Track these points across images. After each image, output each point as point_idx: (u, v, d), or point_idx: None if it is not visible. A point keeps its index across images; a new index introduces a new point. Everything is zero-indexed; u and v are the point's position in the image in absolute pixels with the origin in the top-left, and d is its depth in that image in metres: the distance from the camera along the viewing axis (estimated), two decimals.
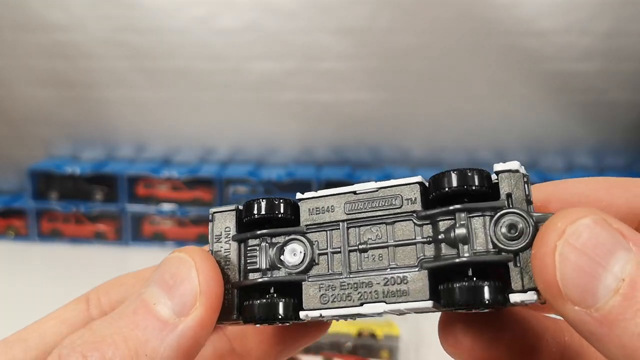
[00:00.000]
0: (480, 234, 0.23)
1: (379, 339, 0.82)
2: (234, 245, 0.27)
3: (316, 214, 0.26)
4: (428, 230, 0.24)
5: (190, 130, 1.24)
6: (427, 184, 0.25)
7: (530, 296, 0.22)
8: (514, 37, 1.14)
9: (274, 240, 0.26)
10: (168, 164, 1.25)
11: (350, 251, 0.25)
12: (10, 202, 1.23)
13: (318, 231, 0.26)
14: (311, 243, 0.25)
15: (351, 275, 0.25)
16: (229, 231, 0.27)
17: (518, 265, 0.23)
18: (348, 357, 0.80)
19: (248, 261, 0.26)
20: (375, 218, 0.25)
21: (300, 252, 0.26)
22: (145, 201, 1.19)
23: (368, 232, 0.25)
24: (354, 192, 0.25)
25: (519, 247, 0.23)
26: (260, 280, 0.25)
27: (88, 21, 1.17)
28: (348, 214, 0.25)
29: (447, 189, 0.24)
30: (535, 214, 0.23)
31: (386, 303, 0.24)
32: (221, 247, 0.27)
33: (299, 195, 0.26)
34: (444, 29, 1.14)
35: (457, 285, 0.23)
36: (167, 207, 1.18)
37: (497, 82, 1.18)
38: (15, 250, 1.19)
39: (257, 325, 0.26)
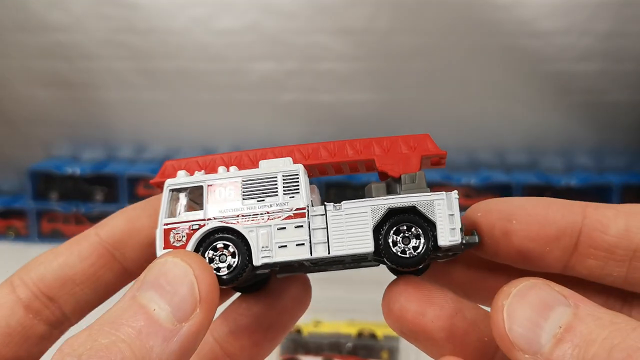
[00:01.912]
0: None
1: (379, 340, 0.82)
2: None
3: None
4: None
5: (190, 131, 1.25)
6: None
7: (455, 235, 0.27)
8: (514, 38, 1.14)
9: None
10: None
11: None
12: (11, 203, 1.23)
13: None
14: None
15: None
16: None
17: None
18: (348, 357, 0.80)
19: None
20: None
21: None
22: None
23: None
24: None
25: None
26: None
27: (88, 22, 1.17)
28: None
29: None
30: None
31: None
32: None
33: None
34: (444, 30, 1.14)
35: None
36: None
37: (497, 83, 1.18)
38: (15, 251, 1.19)
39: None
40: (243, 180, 0.29)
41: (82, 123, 1.26)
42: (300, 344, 0.81)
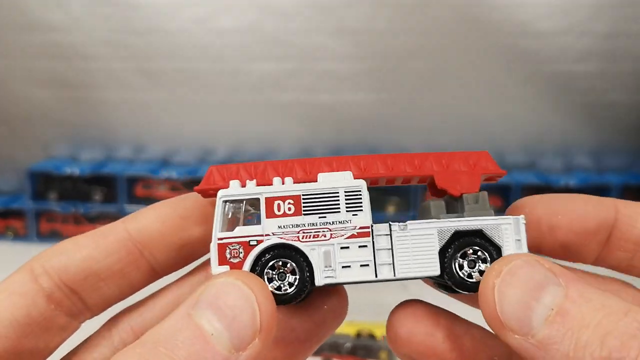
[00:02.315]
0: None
1: (377, 340, 0.82)
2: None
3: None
4: None
5: (189, 131, 1.24)
6: None
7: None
8: (513, 39, 1.14)
9: None
10: (167, 164, 1.24)
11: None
12: (9, 203, 1.23)
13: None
14: None
15: None
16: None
17: None
18: (347, 357, 0.80)
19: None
20: None
21: None
22: (144, 202, 1.19)
23: None
24: None
25: None
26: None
27: (87, 22, 1.17)
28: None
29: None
30: None
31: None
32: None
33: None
34: (444, 30, 1.14)
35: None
36: None
37: (497, 83, 1.18)
38: (14, 251, 1.19)
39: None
40: (303, 195, 0.28)
41: (81, 123, 1.26)
42: None
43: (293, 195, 0.28)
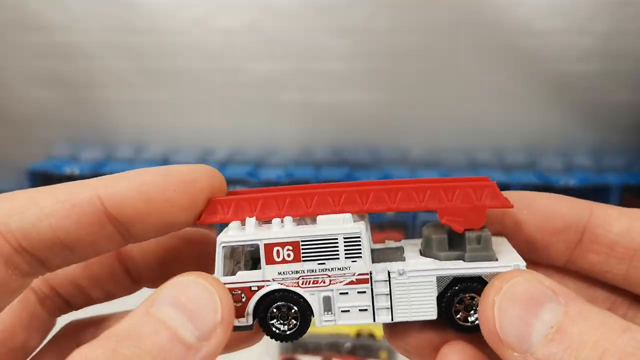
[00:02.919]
0: None
1: (377, 340, 0.82)
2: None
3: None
4: None
5: (189, 131, 1.24)
6: None
7: None
8: (513, 38, 1.14)
9: None
10: (167, 164, 1.24)
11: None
12: None
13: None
14: None
15: None
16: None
17: None
18: (347, 357, 0.80)
19: None
20: None
21: None
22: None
23: None
24: None
25: None
26: None
27: (87, 22, 1.17)
28: None
29: None
30: None
31: None
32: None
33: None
34: (443, 29, 1.14)
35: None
36: None
37: (496, 83, 1.18)
38: None
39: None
40: (302, 241, 0.28)
41: (82, 123, 1.26)
42: (299, 343, 0.81)
43: (292, 242, 0.28)
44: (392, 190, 0.29)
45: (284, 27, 1.15)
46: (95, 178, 0.28)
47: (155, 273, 0.31)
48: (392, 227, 1.18)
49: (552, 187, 1.15)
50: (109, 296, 0.30)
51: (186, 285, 0.24)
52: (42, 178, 1.22)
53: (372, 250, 0.30)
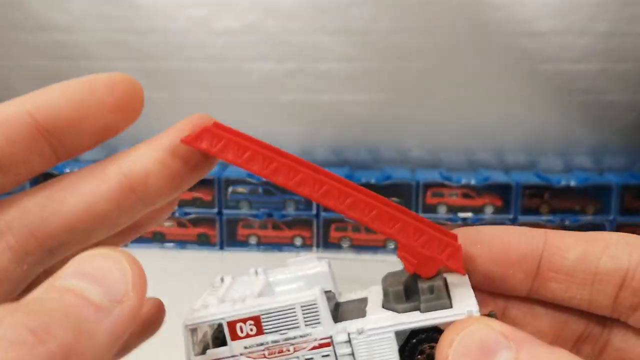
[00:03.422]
0: None
1: None
2: None
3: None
4: None
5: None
6: None
7: None
8: (513, 38, 1.14)
9: None
10: None
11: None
12: None
13: None
14: None
15: None
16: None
17: None
18: None
19: None
20: None
21: None
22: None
23: None
24: None
25: None
26: None
27: (88, 22, 1.17)
28: None
29: None
30: None
31: None
32: None
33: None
34: (444, 30, 1.14)
35: None
36: None
37: (496, 83, 1.18)
38: None
39: None
40: (262, 315, 0.28)
41: None
42: None
43: (253, 317, 0.28)
44: (370, 205, 0.29)
45: (285, 27, 1.15)
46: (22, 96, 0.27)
47: (83, 143, 0.28)
48: None
49: (552, 187, 1.15)
50: (21, 180, 0.27)
51: (90, 258, 0.22)
52: (42, 178, 1.22)
53: (338, 305, 0.31)
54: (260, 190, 1.18)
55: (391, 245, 1.15)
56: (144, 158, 0.28)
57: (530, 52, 1.15)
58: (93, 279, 0.21)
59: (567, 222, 1.15)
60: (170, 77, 1.20)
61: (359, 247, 1.16)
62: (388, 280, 0.30)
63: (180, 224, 1.18)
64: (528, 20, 1.12)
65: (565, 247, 0.29)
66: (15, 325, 0.18)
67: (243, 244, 1.18)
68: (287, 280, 0.31)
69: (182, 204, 1.18)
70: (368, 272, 1.01)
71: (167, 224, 1.19)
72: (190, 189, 1.13)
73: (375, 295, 0.31)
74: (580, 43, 1.13)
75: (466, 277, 0.29)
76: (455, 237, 0.29)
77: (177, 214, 1.17)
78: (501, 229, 0.30)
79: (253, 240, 1.18)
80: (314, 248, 1.17)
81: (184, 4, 1.16)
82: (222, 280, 0.32)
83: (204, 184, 1.18)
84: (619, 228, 1.14)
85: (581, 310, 0.29)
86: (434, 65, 1.17)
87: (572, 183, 1.14)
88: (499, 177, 1.16)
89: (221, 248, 1.17)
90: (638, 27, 1.12)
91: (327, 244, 1.17)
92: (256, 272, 0.32)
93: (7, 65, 1.22)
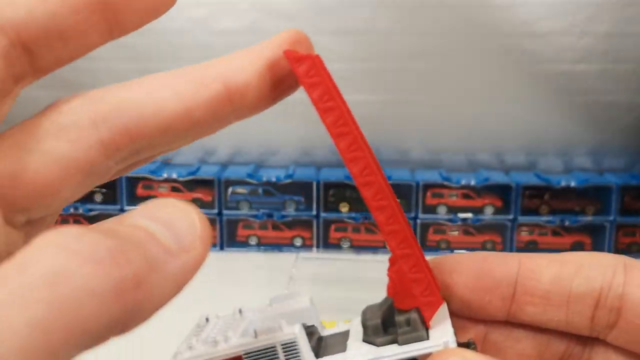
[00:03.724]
0: None
1: None
2: None
3: None
4: None
5: None
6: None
7: None
8: (513, 39, 1.14)
9: None
10: (168, 164, 1.25)
11: None
12: None
13: None
14: None
15: None
16: None
17: None
18: None
19: None
20: None
21: None
22: (145, 202, 1.19)
23: None
24: None
25: None
26: None
27: None
28: None
29: None
30: None
31: None
32: None
33: None
34: (444, 30, 1.14)
35: None
36: None
37: (496, 84, 1.18)
38: None
39: None
40: (244, 354, 0.29)
41: None
42: None
43: (235, 357, 0.29)
44: (395, 218, 0.29)
45: (285, 28, 1.15)
46: None
47: (136, 21, 0.27)
48: None
49: (552, 188, 1.15)
50: (77, 54, 0.27)
51: (160, 205, 0.22)
52: None
53: (320, 338, 0.31)
54: (260, 190, 1.18)
55: None
56: (245, 68, 0.26)
57: (530, 52, 1.15)
58: (163, 223, 0.21)
59: (567, 223, 1.15)
60: None
61: (358, 247, 1.16)
62: (367, 313, 0.31)
63: None
64: (528, 21, 1.12)
65: (539, 270, 0.29)
66: (94, 243, 0.18)
67: (243, 244, 1.18)
68: (269, 318, 0.31)
69: None
70: (368, 273, 1.02)
71: None
72: (190, 189, 1.14)
73: (356, 328, 0.32)
74: (580, 44, 1.13)
75: (444, 307, 0.29)
76: (439, 294, 0.29)
77: None
78: (476, 255, 0.31)
79: (253, 241, 1.18)
80: (314, 248, 1.17)
81: (184, 4, 1.15)
82: (207, 320, 0.33)
83: (204, 184, 1.18)
84: (619, 228, 1.14)
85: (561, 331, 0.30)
86: (434, 66, 1.17)
87: (572, 184, 1.14)
88: (498, 178, 1.16)
89: (221, 248, 1.17)
90: (638, 28, 1.12)
91: (327, 244, 1.17)
92: (240, 311, 0.32)
93: None
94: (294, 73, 0.29)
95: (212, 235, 0.22)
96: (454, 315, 0.29)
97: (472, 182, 1.15)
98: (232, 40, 1.17)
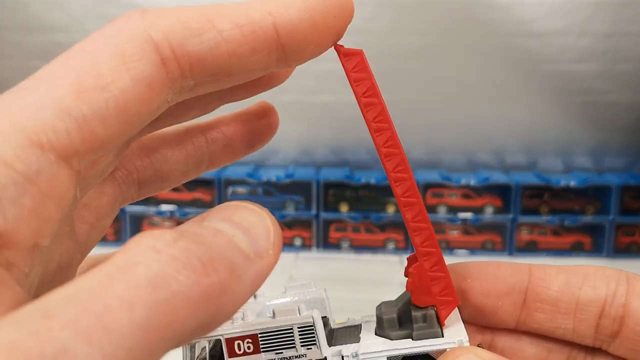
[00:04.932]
0: None
1: None
2: None
3: None
4: None
5: None
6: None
7: None
8: (513, 39, 1.14)
9: None
10: None
11: None
12: None
13: None
14: None
15: None
16: None
17: None
18: None
19: None
20: None
21: None
22: (145, 202, 1.19)
23: None
24: None
25: None
26: None
27: (88, 22, 1.17)
28: None
29: None
30: None
31: None
32: None
33: None
34: (444, 30, 1.14)
35: None
36: (166, 207, 1.18)
37: (497, 83, 1.18)
38: None
39: None
40: (260, 334, 0.29)
41: None
42: None
43: (251, 335, 0.29)
44: (423, 215, 0.30)
45: None
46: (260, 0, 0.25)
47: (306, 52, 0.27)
48: (392, 228, 1.18)
49: (552, 188, 1.15)
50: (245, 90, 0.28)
51: (237, 208, 0.23)
52: None
53: (332, 330, 0.32)
54: (259, 190, 1.18)
55: (390, 246, 1.15)
56: (296, 9, 0.25)
57: (530, 52, 1.15)
58: (241, 228, 0.22)
59: (566, 223, 1.15)
60: None
61: (358, 247, 1.17)
62: (382, 308, 0.31)
63: (180, 224, 1.18)
64: (528, 21, 1.12)
65: (549, 278, 0.31)
66: (187, 250, 0.19)
67: None
68: (286, 303, 0.32)
69: (182, 204, 1.18)
70: (368, 272, 1.02)
71: (166, 223, 1.19)
72: (191, 189, 1.14)
73: (368, 324, 0.32)
74: (580, 43, 1.13)
75: (456, 310, 0.30)
76: (455, 294, 0.30)
77: (177, 215, 1.18)
78: (489, 264, 0.32)
79: None
80: (314, 248, 1.17)
81: (184, 4, 1.15)
82: None
83: (204, 184, 1.18)
84: (618, 228, 1.14)
85: (565, 340, 0.31)
86: (434, 65, 1.17)
87: (572, 183, 1.14)
88: (498, 178, 1.17)
89: None
90: (638, 27, 1.12)
91: (327, 244, 1.17)
92: (254, 295, 0.33)
93: (7, 65, 1.22)
94: (342, 66, 0.31)
95: (282, 244, 0.23)
96: (463, 322, 0.30)
97: (472, 182, 1.15)
98: None
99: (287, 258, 1.10)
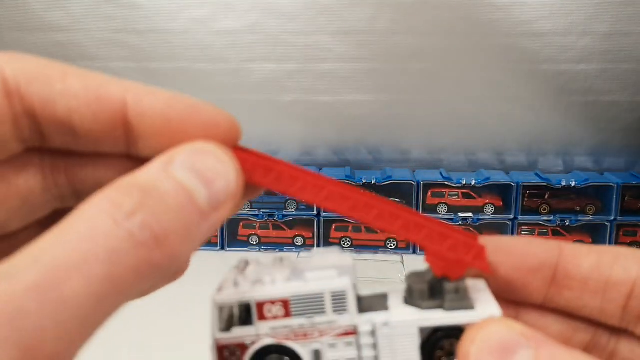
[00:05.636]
0: None
1: None
2: None
3: None
4: None
5: None
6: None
7: None
8: (513, 39, 1.14)
9: None
10: None
11: None
12: None
13: None
14: None
15: None
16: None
17: None
18: None
19: None
20: None
21: None
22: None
23: None
24: None
25: None
26: None
27: (88, 22, 1.17)
28: None
29: None
30: None
31: None
32: None
33: None
34: (444, 30, 1.14)
35: None
36: None
37: (497, 83, 1.18)
38: None
39: None
40: (292, 299, 0.29)
41: None
42: None
43: (282, 299, 0.29)
44: (395, 216, 0.30)
45: (286, 28, 1.15)
46: (125, 80, 0.27)
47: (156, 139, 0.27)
48: None
49: (552, 188, 1.15)
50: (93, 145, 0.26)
51: (203, 153, 0.24)
52: None
53: (359, 298, 0.31)
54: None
55: (391, 245, 1.15)
56: (154, 95, 0.27)
57: (531, 52, 1.15)
58: (204, 180, 0.23)
59: (567, 223, 1.15)
60: (170, 78, 1.20)
61: (359, 246, 1.17)
62: (412, 278, 0.31)
63: None
64: (528, 21, 1.12)
65: (580, 256, 0.30)
66: (143, 227, 0.20)
67: (244, 243, 1.18)
68: (317, 267, 0.31)
69: None
70: (368, 272, 1.02)
71: None
72: None
73: (395, 292, 0.32)
74: (580, 43, 1.13)
75: (485, 284, 0.30)
76: (476, 238, 0.30)
77: None
78: (519, 239, 0.32)
79: (254, 240, 1.18)
80: (315, 248, 1.17)
81: (185, 4, 1.16)
82: (247, 263, 0.33)
83: None
84: (619, 228, 1.14)
85: (590, 320, 0.31)
86: (434, 66, 1.17)
87: (573, 183, 1.14)
88: (499, 178, 1.16)
89: (222, 248, 1.17)
90: (638, 27, 1.12)
91: (328, 243, 1.17)
92: (281, 259, 0.33)
93: None
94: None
95: (242, 193, 0.25)
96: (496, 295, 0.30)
97: (473, 182, 1.15)
98: (232, 40, 1.18)
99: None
